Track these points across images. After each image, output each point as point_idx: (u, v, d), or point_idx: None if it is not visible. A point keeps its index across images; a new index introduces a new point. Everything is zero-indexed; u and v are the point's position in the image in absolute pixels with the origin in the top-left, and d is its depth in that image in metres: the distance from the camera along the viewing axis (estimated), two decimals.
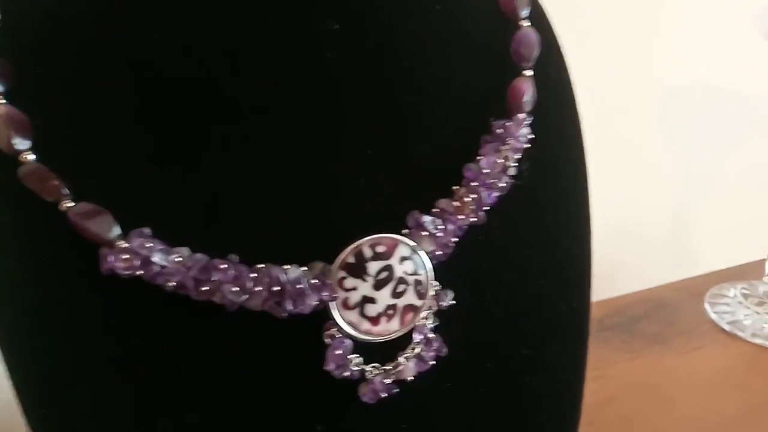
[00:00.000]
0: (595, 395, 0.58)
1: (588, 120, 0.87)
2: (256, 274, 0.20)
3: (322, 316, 0.22)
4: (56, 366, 0.20)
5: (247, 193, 0.21)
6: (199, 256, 0.20)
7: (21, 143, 0.20)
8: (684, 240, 0.91)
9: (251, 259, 0.21)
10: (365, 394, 0.22)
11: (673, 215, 0.89)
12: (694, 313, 0.68)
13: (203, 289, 0.20)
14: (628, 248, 0.86)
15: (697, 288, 0.72)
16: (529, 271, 0.25)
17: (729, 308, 0.67)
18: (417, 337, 0.23)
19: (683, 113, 0.84)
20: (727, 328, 0.64)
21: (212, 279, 0.20)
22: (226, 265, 0.20)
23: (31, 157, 0.20)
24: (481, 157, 0.23)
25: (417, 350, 0.23)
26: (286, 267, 0.21)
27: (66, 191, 0.20)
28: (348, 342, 0.22)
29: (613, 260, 0.85)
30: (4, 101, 0.21)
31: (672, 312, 0.68)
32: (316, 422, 0.22)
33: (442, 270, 0.23)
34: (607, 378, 0.59)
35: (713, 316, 0.66)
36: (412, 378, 0.23)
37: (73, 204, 0.20)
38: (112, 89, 0.21)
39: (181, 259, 0.20)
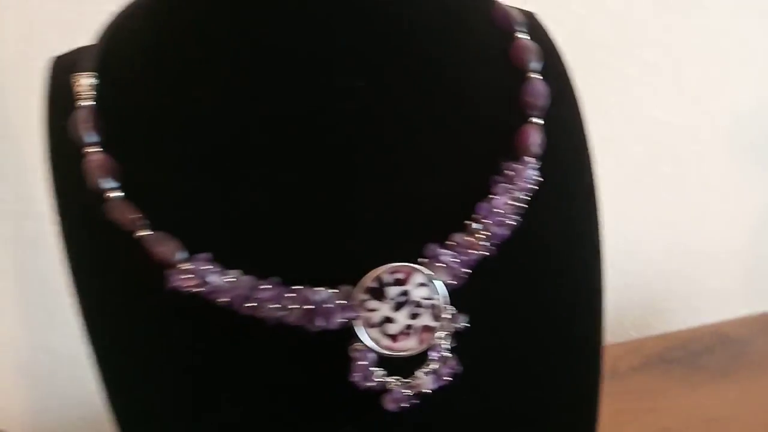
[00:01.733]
0: (651, 426, 0.58)
1: (657, 150, 0.86)
2: (292, 295, 0.24)
3: (348, 334, 0.25)
4: (127, 366, 0.25)
5: (290, 227, 0.26)
6: (246, 278, 0.25)
7: (107, 183, 0.26)
8: (756, 275, 0.88)
9: (290, 281, 0.25)
10: (388, 403, 0.26)
11: (746, 249, 0.86)
12: (762, 349, 0.66)
13: (247, 305, 0.24)
14: (697, 281, 0.84)
15: (765, 324, 0.70)
16: (539, 302, 0.27)
17: None
18: (433, 355, 0.26)
19: (755, 140, 0.82)
20: None
21: (256, 297, 0.24)
22: (268, 286, 0.24)
23: (115, 194, 0.25)
24: (493, 197, 0.26)
25: (433, 367, 0.26)
26: (317, 289, 0.25)
27: (142, 222, 0.25)
28: (371, 355, 0.25)
29: (680, 292, 0.84)
30: (96, 149, 0.26)
31: (738, 347, 0.67)
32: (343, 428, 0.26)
33: (457, 296, 0.26)
34: (662, 410, 0.59)
35: None
36: (430, 391, 0.26)
37: (146, 233, 0.25)
38: (192, 133, 0.26)
39: (232, 280, 0.24)
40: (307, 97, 0.26)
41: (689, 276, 0.83)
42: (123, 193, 0.26)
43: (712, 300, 0.85)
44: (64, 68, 0.28)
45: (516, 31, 0.30)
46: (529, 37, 0.30)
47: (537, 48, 0.30)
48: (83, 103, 0.27)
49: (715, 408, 0.58)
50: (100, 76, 0.27)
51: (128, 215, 0.25)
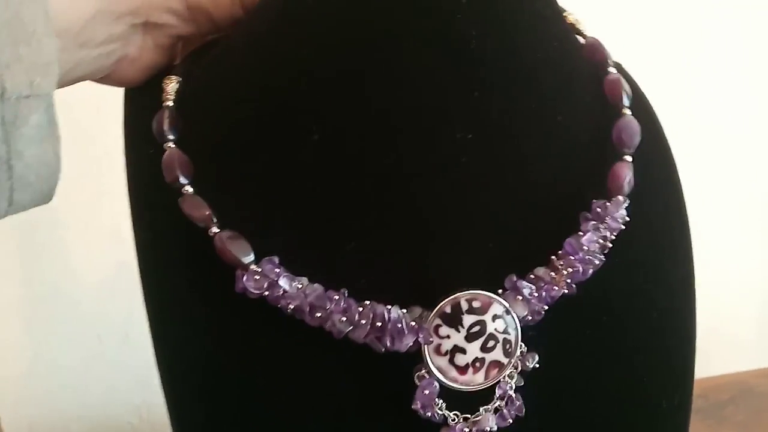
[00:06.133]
0: None
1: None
2: (362, 309, 0.23)
3: (415, 360, 0.24)
4: (187, 370, 0.24)
5: (365, 241, 0.24)
6: (316, 285, 0.23)
7: (183, 179, 0.25)
8: None
9: (360, 296, 0.23)
10: None
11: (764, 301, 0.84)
12: None
13: (317, 315, 0.23)
14: (718, 329, 0.82)
15: None
16: (629, 365, 0.26)
17: None
18: (499, 392, 0.24)
19: None
20: None
21: (325, 307, 0.23)
22: (338, 297, 0.23)
23: (190, 189, 0.24)
24: (582, 234, 0.25)
25: (497, 405, 0.24)
26: (389, 307, 0.23)
27: (215, 220, 0.24)
28: (436, 385, 0.24)
29: (702, 339, 0.82)
30: (174, 146, 0.25)
31: (761, 399, 0.65)
32: None
33: (530, 333, 0.24)
34: None
35: None
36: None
37: (218, 230, 0.24)
38: (268, 143, 0.25)
39: (301, 286, 0.23)
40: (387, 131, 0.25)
41: (712, 324, 0.81)
42: (194, 190, 0.25)
43: (734, 350, 0.83)
44: None
45: (608, 65, 0.29)
46: (618, 73, 0.29)
47: (627, 84, 0.28)
48: (168, 104, 0.27)
49: None
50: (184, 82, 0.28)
51: (203, 211, 0.24)
